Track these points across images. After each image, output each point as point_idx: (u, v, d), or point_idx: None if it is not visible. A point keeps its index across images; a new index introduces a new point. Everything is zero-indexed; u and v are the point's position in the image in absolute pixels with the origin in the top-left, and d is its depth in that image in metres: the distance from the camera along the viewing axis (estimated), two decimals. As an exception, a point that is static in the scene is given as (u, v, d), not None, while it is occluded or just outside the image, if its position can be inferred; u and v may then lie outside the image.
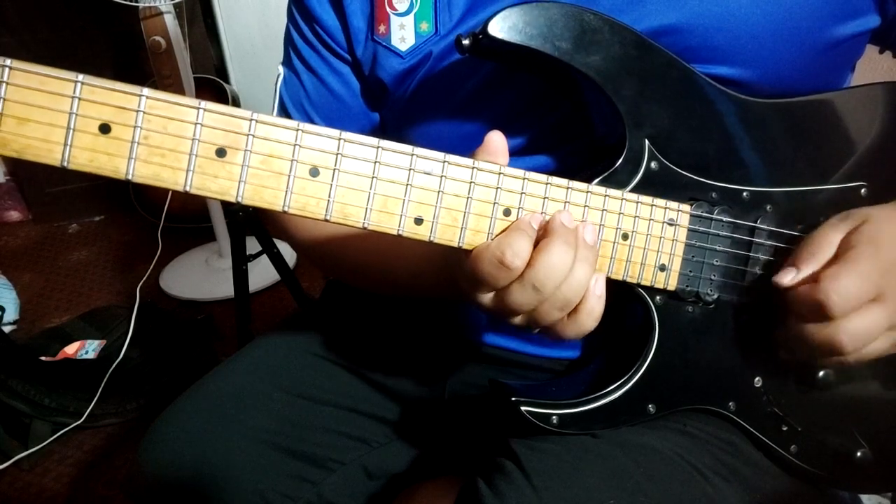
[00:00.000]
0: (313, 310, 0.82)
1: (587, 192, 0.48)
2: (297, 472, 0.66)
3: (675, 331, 0.54)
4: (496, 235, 0.46)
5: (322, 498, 0.67)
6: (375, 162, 0.43)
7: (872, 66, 0.68)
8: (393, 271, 0.64)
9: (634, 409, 0.54)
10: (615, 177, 0.51)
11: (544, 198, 0.47)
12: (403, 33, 0.60)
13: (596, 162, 0.53)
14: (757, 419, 0.57)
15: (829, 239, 0.50)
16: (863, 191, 0.57)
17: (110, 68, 2.28)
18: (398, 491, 0.71)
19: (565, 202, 0.47)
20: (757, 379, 0.57)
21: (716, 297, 0.54)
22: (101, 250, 2.24)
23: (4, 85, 0.36)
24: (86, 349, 1.56)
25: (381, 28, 0.60)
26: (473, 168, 0.45)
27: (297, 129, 0.41)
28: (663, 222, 0.51)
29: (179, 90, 1.73)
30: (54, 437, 1.42)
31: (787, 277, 0.50)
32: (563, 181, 0.47)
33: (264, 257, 1.43)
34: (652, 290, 0.53)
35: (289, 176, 0.41)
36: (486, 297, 0.45)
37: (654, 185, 0.51)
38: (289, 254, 1.78)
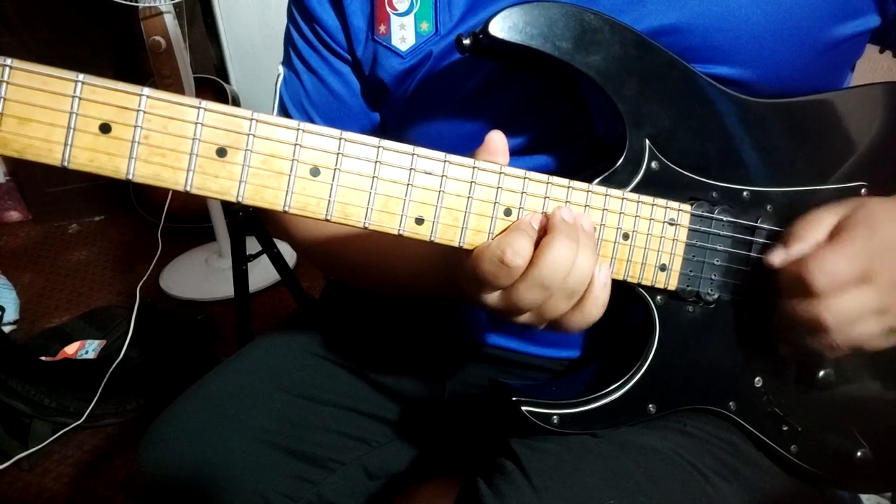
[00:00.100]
0: (313, 310, 0.82)
1: (588, 191, 0.48)
2: (297, 472, 0.66)
3: (675, 331, 0.54)
4: (497, 235, 0.46)
5: (322, 498, 0.67)
6: (376, 162, 0.43)
7: (872, 66, 0.68)
8: (393, 271, 0.63)
9: (635, 408, 0.54)
10: (616, 176, 0.51)
11: (545, 197, 0.47)
12: (404, 33, 0.60)
13: (596, 162, 0.53)
14: (757, 419, 0.57)
15: (822, 221, 0.50)
16: (863, 191, 0.57)
17: (110, 68, 2.27)
18: (398, 491, 0.71)
19: (566, 202, 0.47)
20: (757, 379, 0.57)
21: (716, 296, 0.54)
22: (101, 250, 2.24)
23: (5, 84, 0.36)
24: (86, 349, 1.56)
25: (382, 28, 0.60)
26: (474, 168, 0.45)
27: (298, 129, 0.41)
28: (664, 222, 0.51)
29: (179, 90, 1.73)
30: (54, 437, 1.42)
31: (779, 257, 0.50)
32: (564, 181, 0.47)
33: (264, 257, 1.43)
34: (652, 290, 0.53)
35: (289, 176, 0.41)
36: (492, 297, 0.45)
37: (655, 185, 0.51)
38: (289, 254, 1.78)
